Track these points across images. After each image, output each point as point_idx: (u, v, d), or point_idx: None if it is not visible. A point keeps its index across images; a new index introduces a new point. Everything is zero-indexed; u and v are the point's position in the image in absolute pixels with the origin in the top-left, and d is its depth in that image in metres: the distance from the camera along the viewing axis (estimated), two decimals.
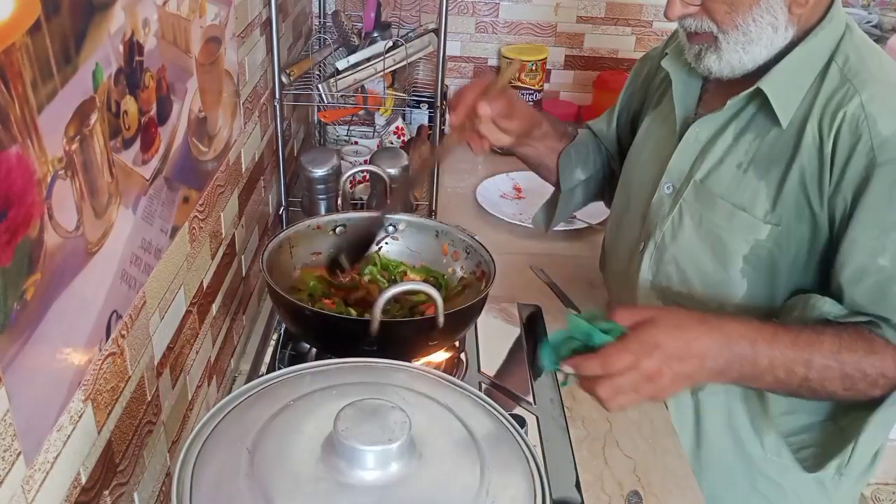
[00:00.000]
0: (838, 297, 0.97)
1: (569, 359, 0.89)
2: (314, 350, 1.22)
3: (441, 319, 0.99)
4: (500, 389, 1.20)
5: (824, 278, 1.01)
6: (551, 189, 1.86)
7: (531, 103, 2.08)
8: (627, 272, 1.18)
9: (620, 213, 1.24)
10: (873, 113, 0.93)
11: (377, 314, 0.94)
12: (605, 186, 1.37)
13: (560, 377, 0.95)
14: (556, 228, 1.70)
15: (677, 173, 1.09)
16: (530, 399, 1.18)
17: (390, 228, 1.26)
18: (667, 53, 1.14)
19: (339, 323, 1.04)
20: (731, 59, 1.00)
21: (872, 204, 0.93)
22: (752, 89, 1.00)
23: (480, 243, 1.20)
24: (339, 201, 1.40)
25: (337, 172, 1.51)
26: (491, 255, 1.16)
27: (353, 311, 1.12)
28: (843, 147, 0.94)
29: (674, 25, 1.08)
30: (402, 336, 1.03)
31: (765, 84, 0.99)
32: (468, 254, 1.20)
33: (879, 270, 0.93)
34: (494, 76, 1.14)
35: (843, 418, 1.04)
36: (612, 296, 1.28)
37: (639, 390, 0.88)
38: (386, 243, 1.26)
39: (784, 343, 0.93)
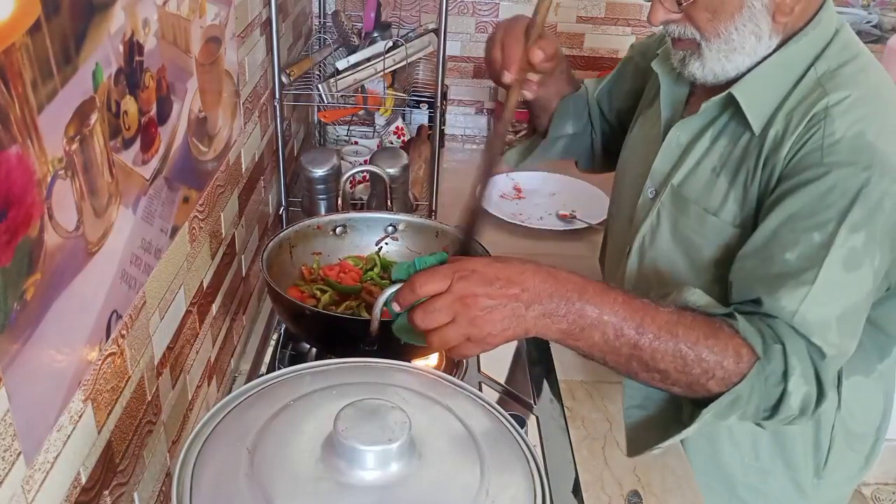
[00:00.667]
0: (731, 274, 0.95)
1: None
2: (314, 350, 1.22)
3: None
4: (499, 389, 1.20)
5: None
6: (550, 190, 1.88)
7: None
8: (616, 275, 1.18)
9: (613, 215, 1.24)
10: (834, 114, 0.90)
11: (377, 314, 0.94)
12: (583, 150, 1.35)
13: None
14: (556, 228, 1.71)
15: (659, 177, 1.09)
16: (530, 399, 1.18)
17: (390, 229, 1.26)
18: (658, 54, 1.13)
19: (338, 323, 1.03)
20: (714, 66, 0.98)
21: (804, 201, 0.90)
22: (724, 95, 0.99)
23: (479, 243, 1.20)
24: (339, 201, 1.40)
25: (337, 172, 1.51)
26: (485, 248, 1.16)
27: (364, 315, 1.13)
28: (797, 145, 0.92)
29: None
30: None
31: (737, 90, 0.98)
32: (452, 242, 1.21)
33: (783, 263, 0.90)
34: (529, 21, 1.08)
35: (686, 407, 0.96)
36: None
37: (456, 318, 0.82)
38: (386, 244, 1.26)
39: (615, 299, 0.86)
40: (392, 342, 0.99)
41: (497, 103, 2.14)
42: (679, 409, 0.95)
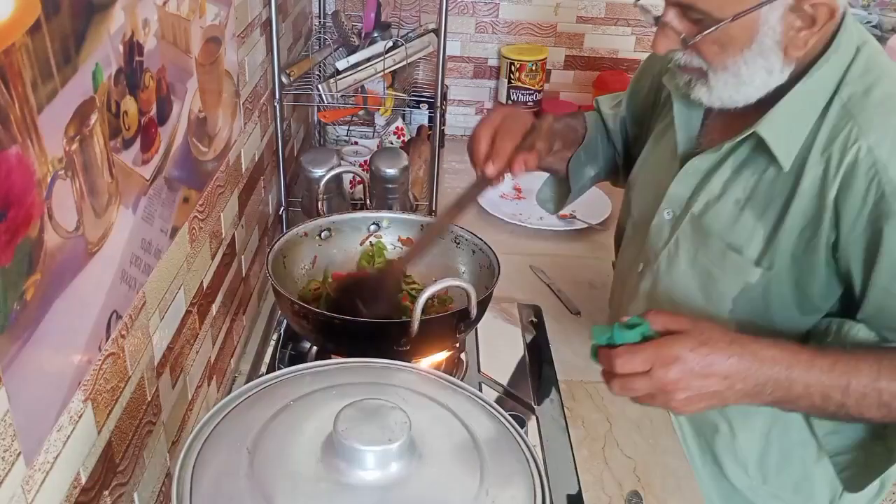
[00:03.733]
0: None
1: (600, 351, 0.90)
2: (314, 350, 1.22)
3: (475, 311, 1.01)
4: (500, 389, 1.20)
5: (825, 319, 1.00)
6: None
7: (531, 104, 2.08)
8: (625, 285, 1.18)
9: (624, 223, 1.22)
10: (883, 158, 0.87)
11: (418, 314, 0.94)
12: (613, 173, 1.35)
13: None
14: (556, 228, 1.71)
15: (677, 201, 1.06)
16: (530, 399, 1.18)
17: (373, 227, 1.26)
18: (669, 68, 1.09)
19: (373, 328, 1.03)
20: (722, 94, 0.95)
21: (890, 252, 0.89)
22: (748, 133, 0.95)
23: (477, 236, 1.20)
24: (321, 205, 1.39)
25: (338, 173, 1.51)
26: (492, 250, 1.17)
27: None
28: (852, 195, 0.89)
29: None
30: (435, 332, 1.04)
31: (763, 129, 0.93)
32: (458, 245, 1.21)
33: None
34: (527, 129, 1.07)
35: (893, 440, 1.02)
36: (614, 297, 1.26)
37: (654, 398, 0.86)
38: (370, 243, 1.26)
39: (821, 368, 0.89)
40: (425, 339, 0.99)
41: (497, 103, 2.14)
42: (879, 439, 1.03)
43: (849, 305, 0.98)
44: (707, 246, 1.01)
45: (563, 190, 1.33)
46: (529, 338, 1.32)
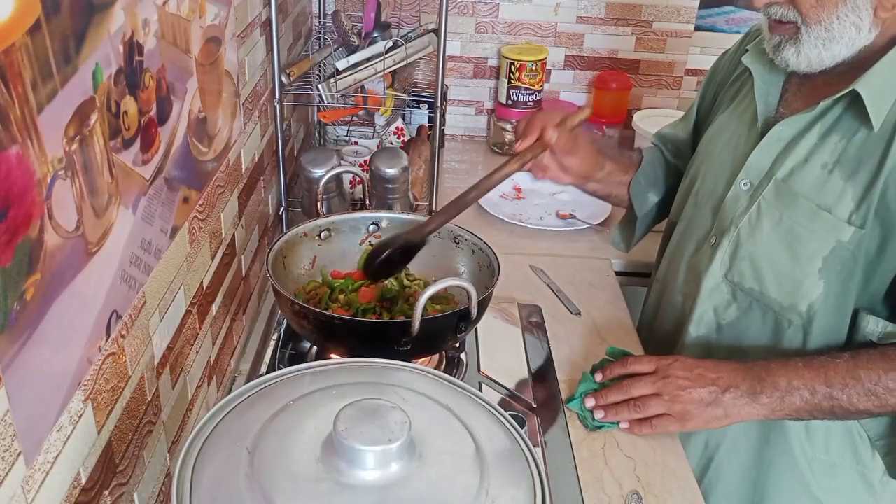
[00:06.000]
0: None
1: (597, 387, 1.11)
2: (314, 350, 1.22)
3: (475, 311, 1.01)
4: (500, 389, 1.20)
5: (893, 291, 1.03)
6: (550, 190, 1.88)
7: (531, 104, 2.08)
8: (691, 263, 1.20)
9: (684, 204, 1.25)
10: None
11: (419, 313, 0.95)
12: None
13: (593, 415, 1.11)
14: (556, 228, 1.71)
15: (756, 170, 1.10)
16: (530, 399, 1.18)
17: (372, 227, 1.26)
18: (747, 50, 1.15)
19: (373, 328, 1.04)
20: (810, 53, 1.00)
21: None
22: (847, 91, 0.99)
23: (477, 236, 1.20)
24: (320, 205, 1.39)
25: (337, 173, 1.51)
26: (492, 249, 1.17)
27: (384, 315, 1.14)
28: None
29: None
30: (436, 332, 1.04)
31: (861, 87, 0.98)
32: (458, 245, 1.21)
33: None
34: (565, 115, 1.17)
35: None
36: (672, 286, 1.26)
37: (660, 392, 1.03)
38: (370, 243, 1.26)
39: (796, 364, 1.02)
40: (427, 338, 0.99)
41: (497, 104, 2.14)
42: None
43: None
44: (794, 208, 1.05)
45: (630, 224, 1.40)
46: (529, 337, 1.32)
